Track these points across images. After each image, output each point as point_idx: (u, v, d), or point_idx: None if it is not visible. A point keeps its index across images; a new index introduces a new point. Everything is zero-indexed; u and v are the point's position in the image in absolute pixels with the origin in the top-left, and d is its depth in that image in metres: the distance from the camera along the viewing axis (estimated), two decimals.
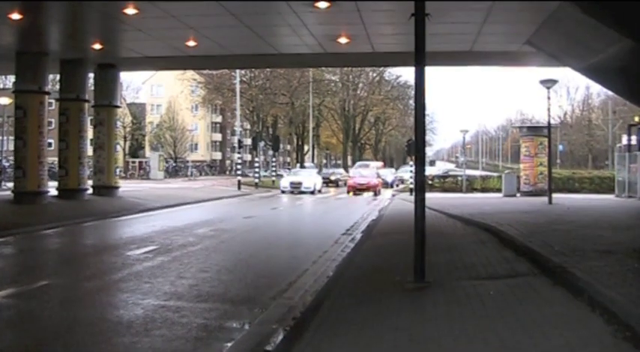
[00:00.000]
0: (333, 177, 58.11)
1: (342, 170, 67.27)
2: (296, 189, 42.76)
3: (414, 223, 9.34)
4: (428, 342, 6.36)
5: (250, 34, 21.00)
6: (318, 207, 33.04)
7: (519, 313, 7.26)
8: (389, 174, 59.42)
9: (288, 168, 60.95)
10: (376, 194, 42.02)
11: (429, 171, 61.18)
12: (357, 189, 43.02)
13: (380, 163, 71.56)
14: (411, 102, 67.12)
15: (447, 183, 44.03)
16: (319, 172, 61.13)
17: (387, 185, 52.68)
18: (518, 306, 7.64)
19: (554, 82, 28.45)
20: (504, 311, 7.40)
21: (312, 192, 42.78)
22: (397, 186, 54.54)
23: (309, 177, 46.04)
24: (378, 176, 47.75)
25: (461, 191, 40.13)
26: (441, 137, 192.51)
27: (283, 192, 42.97)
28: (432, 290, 8.83)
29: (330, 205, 34.53)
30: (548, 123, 29.75)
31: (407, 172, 63.29)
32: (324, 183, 52.57)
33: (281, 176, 56.85)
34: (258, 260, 14.27)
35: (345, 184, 47.28)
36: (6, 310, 9.27)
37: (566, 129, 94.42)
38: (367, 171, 48.93)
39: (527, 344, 5.99)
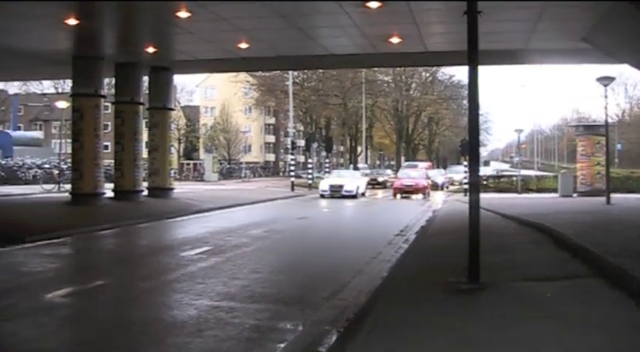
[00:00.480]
0: (380, 179, 55.34)
1: (389, 171, 63.87)
2: (336, 192, 38.70)
3: (469, 224, 9.23)
4: (482, 343, 6.26)
5: (301, 36, 21.02)
6: (367, 210, 32.11)
7: (575, 315, 7.11)
8: (438, 175, 55.07)
9: (327, 170, 56.64)
10: (425, 197, 38.89)
11: (482, 171, 60.57)
12: (404, 192, 39.51)
13: (428, 163, 67.82)
14: (465, 102, 66.59)
15: (501, 184, 43.63)
16: (370, 173, 59.68)
17: (436, 187, 48.65)
18: (574, 308, 7.48)
19: (611, 79, 27.92)
20: (561, 314, 7.25)
21: (354, 196, 38.71)
22: (447, 187, 51.92)
23: (351, 179, 41.65)
24: (427, 177, 43.78)
25: (516, 191, 39.68)
26: (496, 137, 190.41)
27: (322, 195, 39.16)
28: (486, 291, 8.71)
29: (378, 208, 33.66)
30: (606, 121, 29.20)
31: (457, 173, 62.24)
32: (370, 184, 50.11)
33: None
34: (310, 261, 14.26)
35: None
36: (63, 309, 9.42)
37: (624, 127, 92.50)
38: (415, 172, 44.71)
39: (585, 347, 5.86)
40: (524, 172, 48.74)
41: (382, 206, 35.32)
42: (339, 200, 36.65)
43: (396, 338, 6.95)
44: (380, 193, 46.58)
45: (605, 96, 27.27)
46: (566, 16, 18.50)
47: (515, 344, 6.13)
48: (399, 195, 39.32)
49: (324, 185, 40.32)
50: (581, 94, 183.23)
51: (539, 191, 39.96)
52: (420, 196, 38.67)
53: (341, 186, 39.07)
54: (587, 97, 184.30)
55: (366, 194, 43.08)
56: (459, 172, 62.77)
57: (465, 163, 44.04)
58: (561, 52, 23.20)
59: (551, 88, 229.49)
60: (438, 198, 38.50)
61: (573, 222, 16.78)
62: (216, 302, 9.33)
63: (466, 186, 31.67)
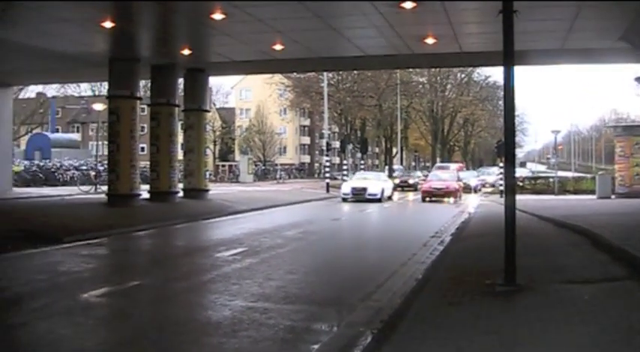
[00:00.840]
0: (411, 181, 52.82)
1: (420, 173, 61.53)
2: (359, 195, 35.58)
3: (505, 225, 9.14)
4: (519, 346, 6.18)
5: (336, 36, 21.02)
6: (389, 215, 29.79)
7: (615, 318, 6.99)
8: (471, 177, 52.26)
9: (344, 173, 52.51)
10: (456, 200, 36.22)
11: (517, 173, 59.86)
12: (434, 195, 36.58)
13: (459, 165, 65.60)
14: (501, 103, 65.94)
15: (538, 185, 43.27)
16: (400, 175, 58.40)
17: (469, 189, 46.07)
18: (613, 311, 7.36)
19: None
20: (599, 316, 7.14)
21: (379, 200, 35.37)
22: (480, 190, 49.51)
23: (375, 181, 38.19)
24: (459, 179, 40.67)
25: (553, 193, 39.29)
26: (532, 138, 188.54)
27: (344, 199, 35.94)
28: (523, 293, 8.61)
29: (401, 214, 31.88)
30: None
31: (490, 174, 58.91)
32: (400, 187, 49.06)
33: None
34: (345, 262, 14.24)
35: None
36: (99, 308, 9.50)
37: None
38: (446, 174, 41.73)
39: (623, 349, 5.75)
40: (561, 173, 48.23)
41: (407, 211, 33.90)
42: (362, 204, 33.48)
43: (431, 340, 6.89)
44: (411, 196, 44.17)
45: None
46: (603, 14, 18.27)
47: (550, 348, 6.04)
48: (428, 199, 36.58)
49: (346, 188, 37.12)
50: (619, 94, 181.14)
51: (576, 193, 39.56)
52: (451, 200, 35.99)
53: (364, 189, 36.04)
54: (625, 97, 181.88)
55: (395, 197, 41.31)
56: (492, 174, 61.49)
57: (499, 165, 43.76)
58: (599, 52, 22.93)
59: (588, 88, 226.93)
60: (471, 202, 36.03)
61: (612, 223, 16.54)
62: (250, 303, 9.34)
63: (502, 188, 31.41)
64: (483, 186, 52.29)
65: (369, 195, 35.46)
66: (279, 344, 7.38)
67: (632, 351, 5.74)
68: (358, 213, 28.66)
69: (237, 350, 7.17)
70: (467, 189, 44.61)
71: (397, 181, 51.33)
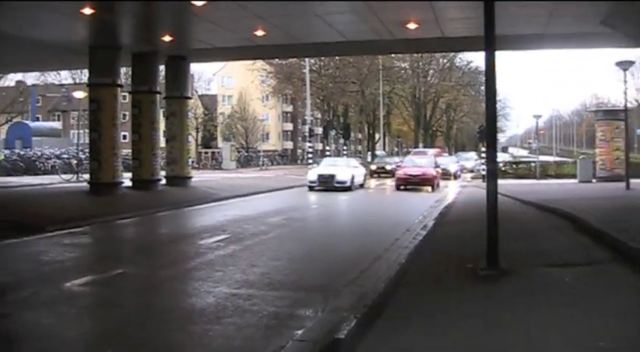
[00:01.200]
0: (388, 167, 48.16)
1: (396, 158, 55.83)
2: (327, 183, 32.33)
3: (487, 210, 9.18)
4: (502, 329, 6.23)
5: (318, 22, 20.94)
6: (357, 206, 26.65)
7: (597, 300, 7.06)
8: (451, 163, 48.89)
9: (309, 159, 51.00)
10: (434, 188, 33.18)
11: (499, 158, 59.79)
12: (409, 183, 33.44)
13: (437, 150, 62.74)
14: (483, 88, 66.16)
15: (520, 170, 43.44)
16: (377, 161, 55.74)
17: (449, 175, 43.63)
18: (595, 293, 7.43)
19: (630, 63, 27.71)
20: (581, 299, 7.20)
21: (349, 188, 32.40)
22: (460, 176, 47.26)
23: (345, 168, 34.60)
24: (436, 165, 36.81)
25: (535, 177, 39.49)
26: (514, 123, 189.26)
27: (311, 188, 32.66)
28: (505, 277, 8.67)
29: (369, 206, 27.03)
30: (625, 106, 29.08)
31: (468, 160, 58.98)
32: (376, 173, 47.34)
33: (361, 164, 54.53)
34: (329, 248, 14.28)
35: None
36: (83, 297, 9.48)
37: None
38: (422, 160, 38.09)
39: (606, 332, 5.81)
40: (542, 158, 48.45)
41: (375, 202, 29.93)
42: (330, 193, 30.73)
43: (415, 324, 6.93)
44: (388, 183, 39.89)
45: (625, 81, 27.07)
46: None
47: (533, 330, 6.09)
48: (402, 187, 33.57)
49: (312, 175, 33.54)
50: (601, 79, 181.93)
51: (558, 177, 39.76)
52: (428, 188, 33.05)
53: (332, 176, 32.65)
54: (606, 82, 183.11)
55: (372, 184, 39.69)
56: (470, 159, 60.27)
57: (482, 149, 43.71)
58: (580, 36, 22.98)
59: (569, 73, 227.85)
60: (451, 189, 34.17)
61: (593, 207, 16.66)
62: (234, 290, 9.35)
63: (484, 173, 31.41)
64: (462, 171, 50.52)
65: (338, 182, 32.38)
66: (263, 330, 7.40)
67: (614, 333, 5.79)
68: (342, 199, 28.56)
69: (222, 336, 7.19)
70: (446, 175, 42.66)
71: (374, 167, 50.09)
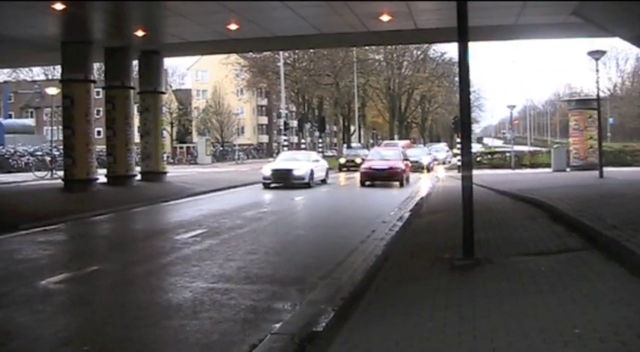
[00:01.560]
0: (358, 160, 43.09)
1: (366, 151, 50.31)
2: (283, 179, 29.49)
3: (462, 200, 9.22)
4: (478, 319, 6.26)
5: (291, 15, 20.89)
6: (308, 209, 22.22)
7: (572, 288, 7.10)
8: (423, 155, 46.26)
9: (320, 150, 50.54)
10: (402, 183, 30.26)
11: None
12: (374, 178, 30.47)
13: (407, 142, 60.24)
14: (457, 79, 66.50)
15: (495, 160, 43.67)
16: (346, 154, 53.08)
17: (421, 169, 41.60)
18: (570, 281, 7.48)
19: (602, 53, 27.90)
20: (556, 287, 7.25)
21: (307, 184, 29.50)
22: (432, 168, 45.01)
23: (304, 162, 31.28)
24: (405, 158, 33.40)
25: (509, 167, 39.74)
26: (489, 113, 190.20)
27: (265, 185, 29.62)
28: (481, 267, 8.70)
29: (328, 204, 23.77)
30: (597, 95, 29.22)
31: (439, 151, 58.32)
32: (345, 167, 45.11)
33: (330, 157, 53.76)
34: (305, 241, 14.30)
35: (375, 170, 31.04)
36: (58, 295, 9.42)
37: (616, 101, 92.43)
38: (389, 152, 34.91)
39: (581, 319, 5.85)
40: (517, 148, 48.73)
41: (332, 202, 24.78)
42: (284, 191, 27.85)
43: (391, 315, 6.95)
44: (357, 177, 33.23)
45: (597, 70, 27.22)
46: None
47: (508, 319, 6.13)
48: (368, 183, 30.47)
49: (266, 170, 30.21)
50: (573, 69, 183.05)
51: (532, 166, 40.08)
52: (397, 184, 30.20)
53: (288, 172, 29.74)
54: (579, 72, 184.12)
55: (340, 179, 37.70)
56: (441, 150, 59.90)
57: (451, 141, 43.69)
58: (552, 27, 23.13)
59: (543, 63, 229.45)
60: (422, 184, 31.38)
61: (567, 196, 16.78)
62: (211, 285, 9.34)
63: (459, 164, 31.14)
64: (434, 163, 48.49)
65: (295, 178, 29.50)
66: (240, 324, 7.39)
67: (587, 320, 5.84)
68: (319, 192, 28.54)
69: (199, 331, 7.17)
70: (418, 168, 41.01)
71: (342, 161, 47.81)
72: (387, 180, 30.49)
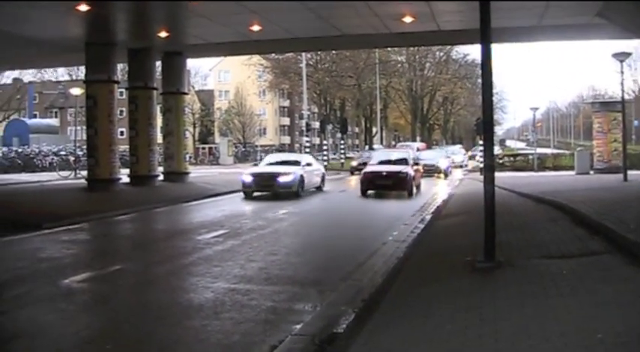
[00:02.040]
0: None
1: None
2: (266, 187, 24.89)
3: (484, 202, 9.19)
4: (499, 321, 6.24)
5: (314, 17, 20.92)
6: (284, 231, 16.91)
7: (593, 292, 7.06)
8: (440, 158, 41.24)
9: (342, 151, 48.89)
10: (411, 192, 25.14)
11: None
12: (376, 185, 25.55)
13: (422, 144, 57.62)
14: (480, 80, 66.11)
15: (517, 162, 43.42)
16: (357, 156, 48.83)
17: (437, 173, 37.74)
18: (592, 285, 7.43)
19: (627, 54, 27.67)
20: (578, 290, 7.21)
21: (296, 193, 24.61)
22: (451, 172, 40.85)
23: (293, 167, 26.14)
24: (416, 162, 28.53)
25: (532, 170, 39.49)
26: (511, 115, 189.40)
27: (246, 193, 24.92)
28: (502, 269, 8.67)
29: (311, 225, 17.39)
30: (622, 97, 29.00)
31: (457, 154, 54.28)
32: (358, 170, 36.27)
33: (351, 158, 53.09)
34: (326, 242, 14.29)
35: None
36: (81, 294, 9.48)
37: None
38: (397, 154, 30.37)
39: (603, 323, 5.82)
40: (540, 150, 48.39)
41: (324, 220, 18.88)
42: (267, 202, 23.40)
43: (412, 317, 6.94)
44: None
45: (622, 72, 27.01)
46: None
47: (530, 322, 6.10)
48: (371, 191, 25.64)
49: (247, 176, 25.38)
50: (597, 71, 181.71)
51: (555, 169, 39.78)
52: (404, 193, 25.05)
53: (273, 177, 24.77)
54: (603, 74, 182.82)
55: (352, 183, 33.51)
56: (458, 153, 55.83)
57: (473, 143, 43.06)
58: (576, 28, 22.98)
59: (566, 65, 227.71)
60: (437, 193, 26.89)
61: (590, 199, 16.64)
62: (232, 285, 9.37)
63: (481, 166, 30.48)
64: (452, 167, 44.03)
65: (281, 185, 24.59)
66: (261, 325, 7.41)
67: (609, 324, 5.80)
68: (339, 193, 28.40)
69: (220, 331, 7.19)
70: (435, 172, 37.42)
71: (354, 164, 43.21)
72: (391, 189, 25.45)
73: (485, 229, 9.04)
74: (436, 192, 27.42)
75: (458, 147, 68.86)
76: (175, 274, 10.67)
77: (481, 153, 56.68)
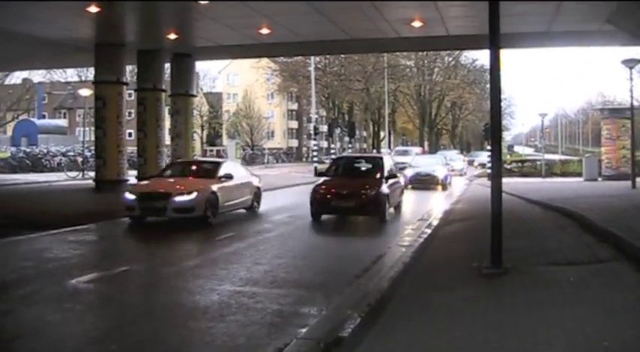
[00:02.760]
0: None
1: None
2: (155, 211, 16.83)
3: (491, 208, 9.17)
4: (505, 328, 6.22)
5: (323, 20, 20.96)
6: None
7: (601, 299, 7.03)
8: (437, 166, 33.36)
9: (315, 157, 46.33)
10: (383, 217, 17.35)
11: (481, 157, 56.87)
12: (335, 209, 17.67)
13: (420, 149, 55.39)
14: (488, 86, 66.03)
15: (525, 168, 43.30)
16: None
17: (434, 185, 31.26)
18: (599, 292, 7.40)
19: (637, 61, 27.58)
20: (585, 298, 7.18)
21: (203, 219, 16.68)
22: (450, 183, 32.87)
23: (201, 181, 17.78)
24: (391, 174, 19.15)
25: (540, 176, 39.37)
26: (519, 121, 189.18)
27: (132, 218, 17.27)
28: (509, 276, 8.65)
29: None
30: (631, 104, 28.91)
31: (456, 160, 47.35)
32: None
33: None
34: (333, 246, 14.28)
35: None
36: (87, 294, 9.47)
37: None
38: (366, 163, 20.66)
39: (610, 331, 5.79)
40: (548, 156, 48.25)
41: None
42: (153, 232, 16.77)
43: (417, 323, 6.92)
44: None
45: (631, 79, 26.96)
46: None
47: (536, 329, 6.08)
48: (325, 215, 17.91)
49: (130, 194, 17.25)
50: (606, 77, 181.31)
51: (563, 175, 39.66)
52: (375, 218, 17.51)
53: (165, 197, 16.61)
54: (612, 80, 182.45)
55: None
56: (456, 159, 48.36)
57: (481, 149, 42.27)
58: (585, 35, 22.96)
59: (575, 71, 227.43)
60: (431, 217, 18.85)
61: (598, 206, 16.60)
62: (238, 288, 9.36)
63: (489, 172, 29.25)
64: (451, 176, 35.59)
65: (176, 208, 16.56)
66: (267, 328, 7.40)
67: (616, 332, 5.78)
68: None
69: (225, 334, 7.18)
70: (431, 183, 31.24)
71: (320, 167, 38.80)
72: (355, 213, 17.93)
73: (492, 235, 9.02)
74: (422, 219, 18.61)
75: (455, 153, 61.72)
76: (181, 276, 10.62)
77: (479, 159, 55.45)
